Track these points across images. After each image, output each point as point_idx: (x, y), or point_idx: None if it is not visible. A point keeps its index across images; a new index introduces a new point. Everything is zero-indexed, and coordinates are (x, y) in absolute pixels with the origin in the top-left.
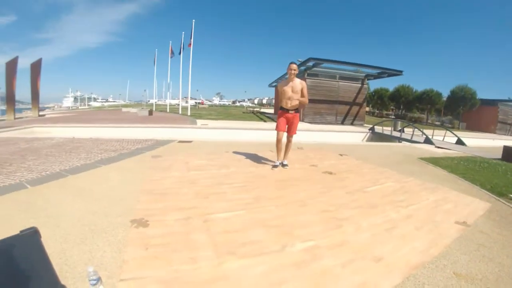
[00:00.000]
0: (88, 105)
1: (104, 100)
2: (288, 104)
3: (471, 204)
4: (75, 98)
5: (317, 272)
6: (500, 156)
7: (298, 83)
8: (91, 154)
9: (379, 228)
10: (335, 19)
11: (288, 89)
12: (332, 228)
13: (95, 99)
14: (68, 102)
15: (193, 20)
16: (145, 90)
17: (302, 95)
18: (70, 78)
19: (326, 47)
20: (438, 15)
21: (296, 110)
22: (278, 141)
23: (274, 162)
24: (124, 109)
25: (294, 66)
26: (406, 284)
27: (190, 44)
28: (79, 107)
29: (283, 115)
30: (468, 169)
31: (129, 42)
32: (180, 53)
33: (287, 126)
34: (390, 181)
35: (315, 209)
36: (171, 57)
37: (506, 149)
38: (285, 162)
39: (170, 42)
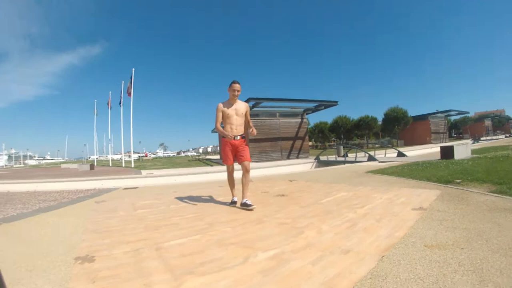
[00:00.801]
0: (24, 163)
1: (41, 158)
2: (234, 130)
3: (423, 194)
4: (10, 156)
5: (286, 274)
6: (439, 157)
7: (242, 105)
8: (28, 204)
9: (340, 228)
10: (275, 58)
11: (232, 112)
12: (294, 235)
13: (31, 157)
14: (1, 160)
15: (133, 69)
16: (85, 145)
17: (246, 119)
18: (3, 134)
19: (266, 87)
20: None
21: (242, 135)
22: (229, 174)
23: (230, 198)
24: (63, 166)
25: (238, 86)
26: (381, 265)
27: (130, 93)
28: (14, 166)
29: (228, 143)
30: (413, 170)
31: (67, 94)
32: (120, 103)
33: (235, 156)
34: (342, 192)
35: (272, 224)
36: (110, 108)
37: (443, 149)
38: (248, 202)
39: (110, 92)
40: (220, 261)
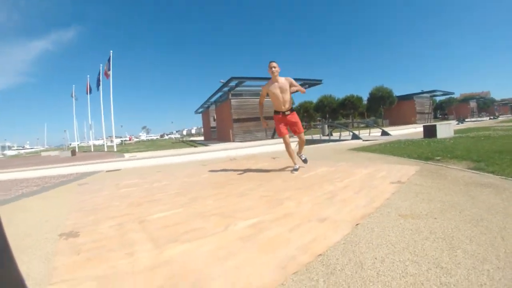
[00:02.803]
0: (3, 154)
1: (21, 148)
2: (282, 106)
3: (402, 170)
4: None
5: (265, 240)
6: (422, 136)
7: (283, 81)
8: (10, 191)
9: (319, 199)
10: (256, 37)
11: (276, 91)
12: (274, 206)
13: (10, 147)
14: None
15: (111, 51)
16: (65, 131)
17: (294, 88)
18: None
19: (249, 66)
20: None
21: (292, 109)
22: (287, 145)
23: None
24: (43, 154)
25: (274, 64)
26: (355, 232)
27: (106, 75)
28: None
29: (280, 119)
30: (395, 148)
31: (43, 81)
32: (98, 86)
33: (289, 128)
34: (323, 167)
35: (254, 197)
36: (89, 94)
37: (426, 128)
38: (303, 157)
39: (88, 76)
40: (202, 230)
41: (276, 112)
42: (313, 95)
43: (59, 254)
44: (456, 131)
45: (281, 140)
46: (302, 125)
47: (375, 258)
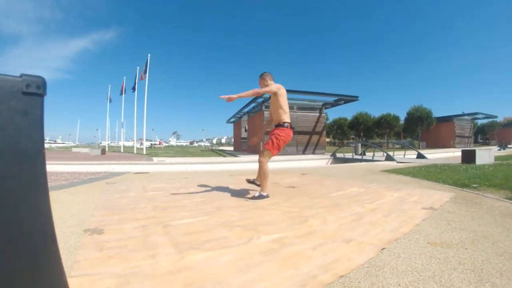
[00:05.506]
0: None
1: (52, 141)
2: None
3: (435, 195)
4: None
5: (287, 256)
6: (460, 161)
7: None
8: None
9: (346, 219)
10: (290, 52)
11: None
12: (298, 223)
13: None
14: None
15: (149, 55)
16: (97, 129)
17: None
18: None
19: (283, 78)
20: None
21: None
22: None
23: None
24: (74, 150)
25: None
26: (381, 256)
27: (142, 77)
28: None
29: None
30: (430, 172)
31: (80, 79)
32: (134, 88)
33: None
34: (353, 187)
35: (279, 211)
36: (122, 94)
37: (464, 152)
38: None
39: (124, 78)
40: (224, 240)
41: (291, 126)
42: (348, 112)
43: (82, 248)
44: (496, 158)
45: (310, 156)
46: (335, 143)
47: (399, 285)
